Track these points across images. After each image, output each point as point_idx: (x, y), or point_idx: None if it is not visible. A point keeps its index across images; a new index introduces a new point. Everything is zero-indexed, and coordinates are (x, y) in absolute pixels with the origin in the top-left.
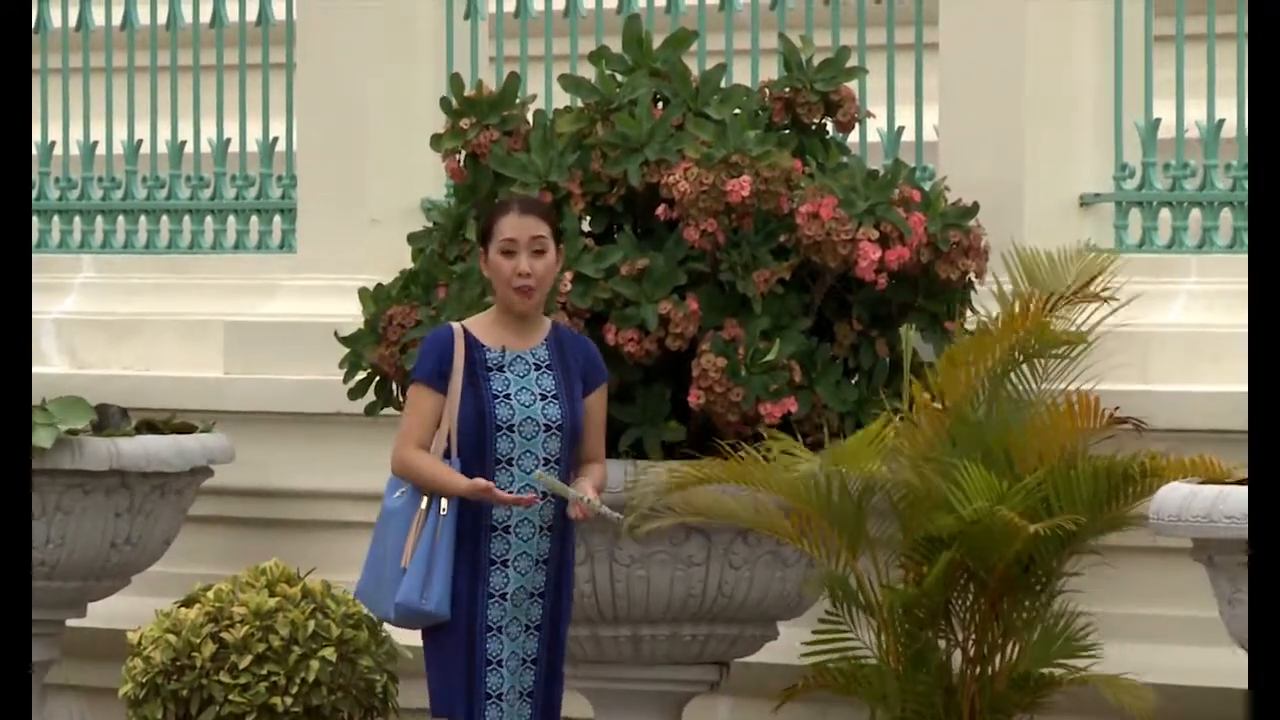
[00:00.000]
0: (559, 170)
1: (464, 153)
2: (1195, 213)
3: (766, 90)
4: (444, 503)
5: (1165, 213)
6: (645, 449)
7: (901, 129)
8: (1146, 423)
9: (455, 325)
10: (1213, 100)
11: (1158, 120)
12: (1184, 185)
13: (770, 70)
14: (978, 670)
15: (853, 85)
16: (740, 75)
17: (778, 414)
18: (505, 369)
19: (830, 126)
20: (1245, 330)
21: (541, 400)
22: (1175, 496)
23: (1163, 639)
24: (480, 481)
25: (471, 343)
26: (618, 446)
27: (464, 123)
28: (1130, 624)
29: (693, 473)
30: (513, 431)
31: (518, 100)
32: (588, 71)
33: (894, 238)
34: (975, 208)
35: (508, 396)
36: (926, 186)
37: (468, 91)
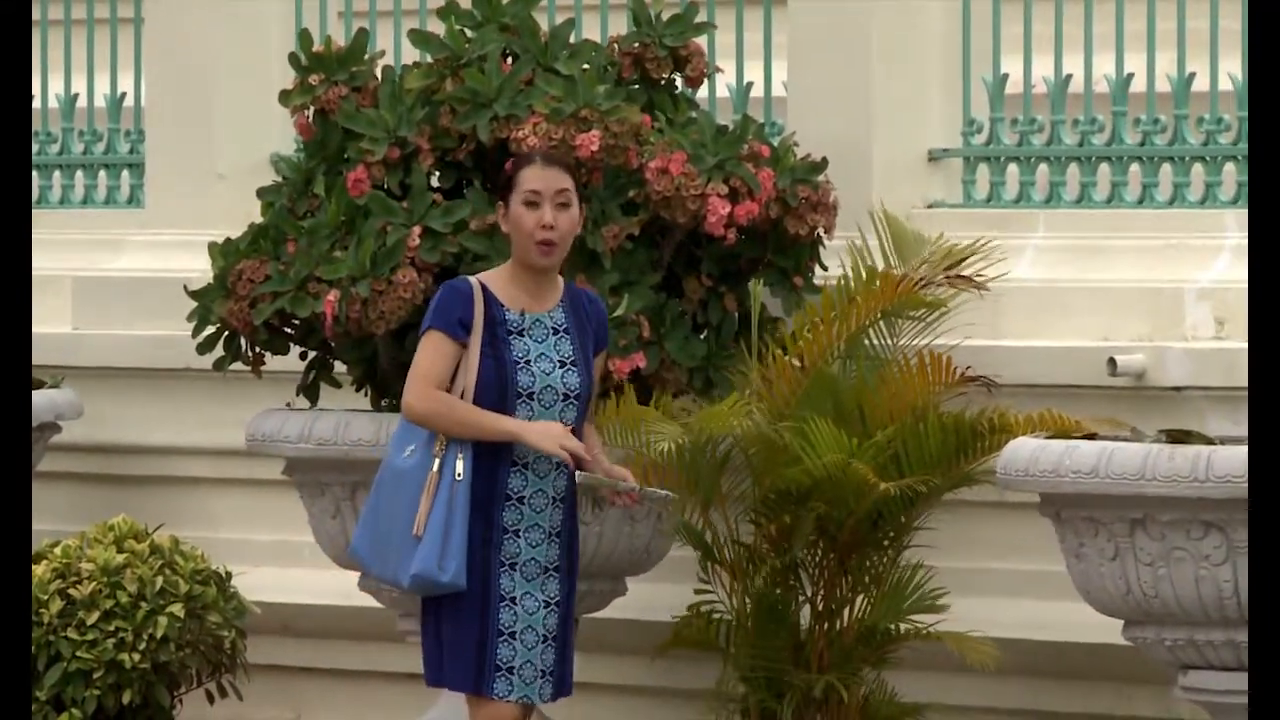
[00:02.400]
0: (408, 126)
1: (312, 108)
2: (1042, 168)
3: (615, 45)
4: (459, 468)
5: (1013, 168)
6: None
7: (750, 84)
8: (997, 380)
9: (473, 280)
10: (1060, 55)
11: (1005, 76)
12: (1031, 140)
13: (619, 25)
14: (826, 625)
15: (701, 40)
16: (589, 30)
17: (626, 369)
18: (525, 333)
19: (679, 82)
20: (1092, 285)
21: (560, 367)
22: (1023, 451)
23: (1010, 593)
24: (553, 424)
25: (491, 300)
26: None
27: (312, 78)
28: (978, 578)
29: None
30: (532, 400)
31: (366, 56)
32: (437, 27)
33: (743, 193)
34: (824, 163)
35: (528, 363)
36: (775, 142)
37: (316, 47)
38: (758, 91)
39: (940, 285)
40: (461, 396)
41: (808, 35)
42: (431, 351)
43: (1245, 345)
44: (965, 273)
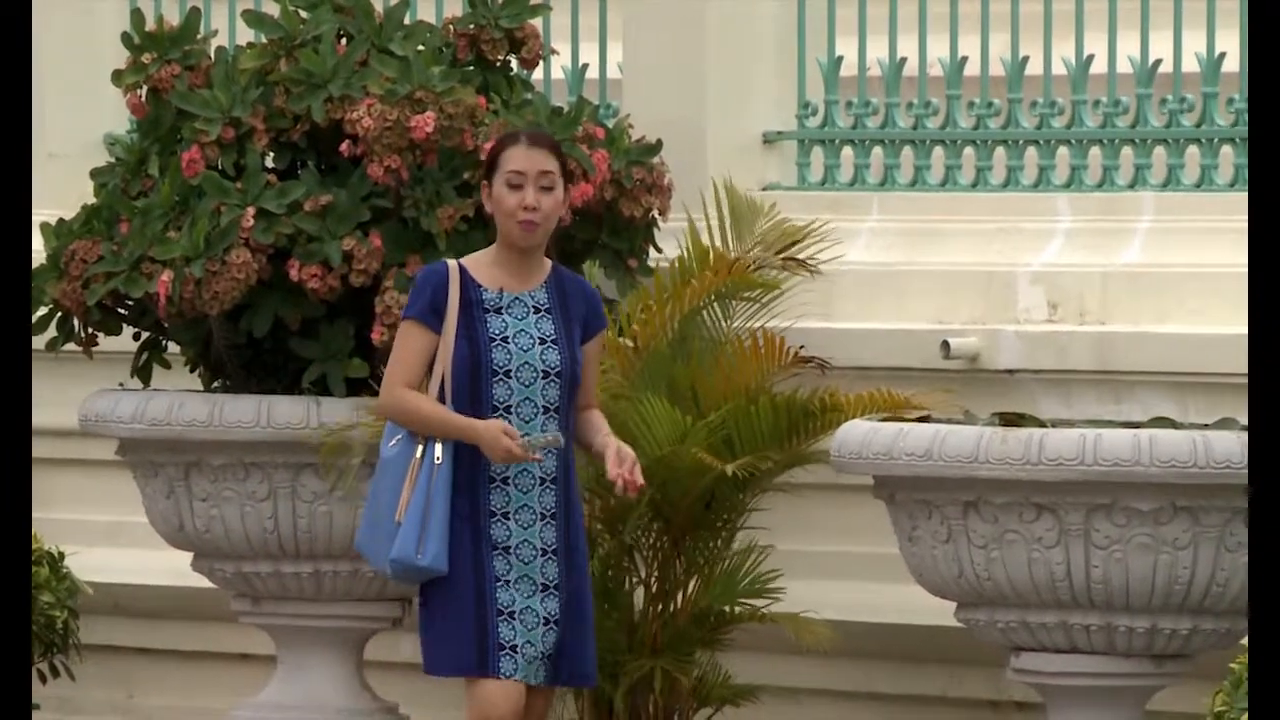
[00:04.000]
0: (242, 106)
1: (146, 88)
2: (877, 151)
3: (451, 27)
4: (438, 451)
5: (847, 150)
6: (329, 385)
7: (586, 66)
8: (830, 361)
9: (450, 262)
10: (894, 38)
11: (840, 58)
12: (866, 123)
13: (455, 7)
14: (660, 607)
15: (537, 22)
16: (425, 12)
17: None
18: (503, 311)
19: (515, 63)
20: (925, 268)
21: (540, 344)
22: (856, 434)
23: (843, 575)
24: (497, 423)
25: (468, 281)
26: (300, 383)
27: (145, 57)
28: (812, 560)
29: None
30: (509, 378)
31: (199, 35)
32: (272, 9)
33: (578, 175)
34: (659, 145)
35: (505, 340)
36: (610, 124)
37: (149, 26)
38: (593, 73)
39: (774, 269)
40: (441, 381)
41: (643, 17)
42: (402, 344)
43: (1077, 329)
44: (800, 255)
